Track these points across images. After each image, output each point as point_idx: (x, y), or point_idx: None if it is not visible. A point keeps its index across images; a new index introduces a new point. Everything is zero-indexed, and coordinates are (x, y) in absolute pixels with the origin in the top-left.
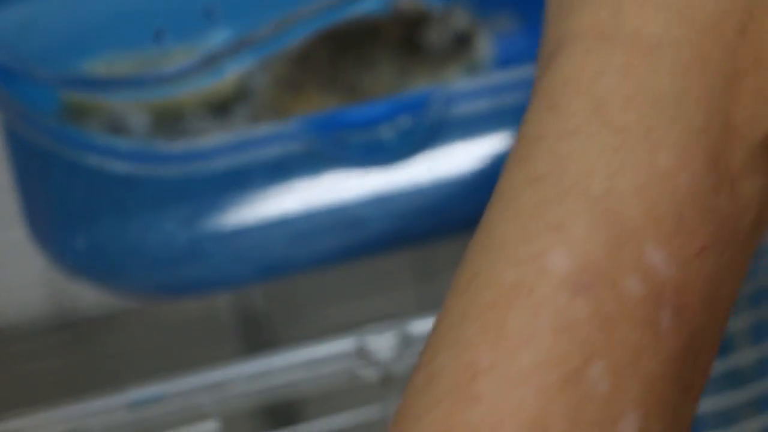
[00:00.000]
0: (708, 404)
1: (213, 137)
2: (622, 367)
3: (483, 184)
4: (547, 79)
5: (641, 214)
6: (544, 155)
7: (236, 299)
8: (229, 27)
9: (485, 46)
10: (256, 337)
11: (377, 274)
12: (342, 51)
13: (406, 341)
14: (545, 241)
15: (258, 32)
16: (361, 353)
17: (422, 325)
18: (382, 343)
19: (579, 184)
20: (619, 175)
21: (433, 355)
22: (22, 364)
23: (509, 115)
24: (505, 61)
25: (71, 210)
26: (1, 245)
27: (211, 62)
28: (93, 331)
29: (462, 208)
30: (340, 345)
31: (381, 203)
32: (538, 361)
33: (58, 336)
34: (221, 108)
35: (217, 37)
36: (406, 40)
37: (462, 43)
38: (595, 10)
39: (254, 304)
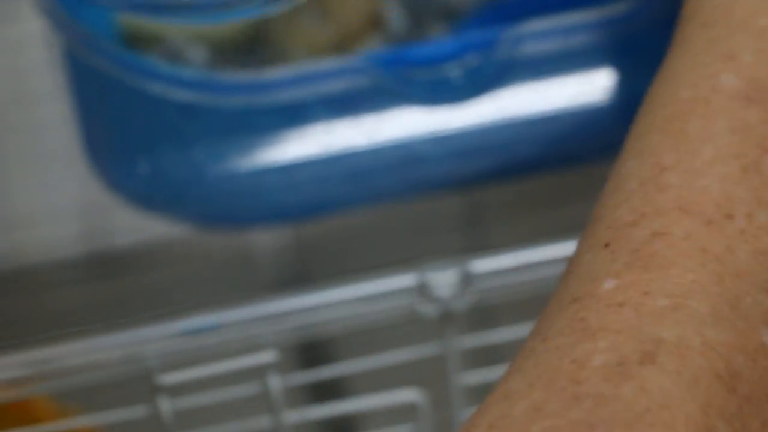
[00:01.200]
0: None
1: (276, 69)
2: None
3: (549, 126)
4: None
5: None
6: (713, 6)
7: (292, 233)
8: None
9: None
10: (307, 273)
11: (428, 216)
12: None
13: (467, 279)
14: (717, 66)
15: None
16: (422, 289)
17: (483, 264)
18: (442, 279)
19: (746, 22)
20: None
21: (620, 165)
22: (62, 295)
23: (579, 57)
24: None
25: (132, 137)
26: (39, 178)
27: None
28: (129, 264)
29: (526, 150)
30: (400, 280)
31: (444, 142)
32: (718, 155)
33: (93, 269)
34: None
35: None
36: None
37: None
38: None
39: (307, 239)
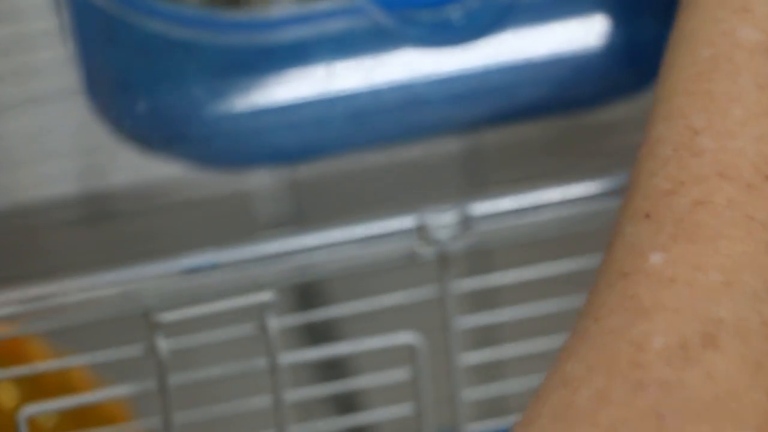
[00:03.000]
0: None
1: (277, 8)
2: None
3: (549, 69)
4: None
5: None
6: None
7: (289, 174)
8: None
9: None
10: (304, 215)
11: (428, 158)
12: None
13: (465, 222)
14: (733, 22)
15: None
16: (420, 231)
17: (482, 207)
18: (441, 222)
19: None
20: None
21: (651, 129)
22: (59, 234)
23: (581, 2)
24: None
25: (132, 75)
26: (37, 119)
27: None
28: (126, 205)
29: (527, 93)
30: (398, 223)
31: (444, 84)
32: (749, 114)
33: (90, 209)
34: None
35: None
36: None
37: None
38: None
39: (305, 181)
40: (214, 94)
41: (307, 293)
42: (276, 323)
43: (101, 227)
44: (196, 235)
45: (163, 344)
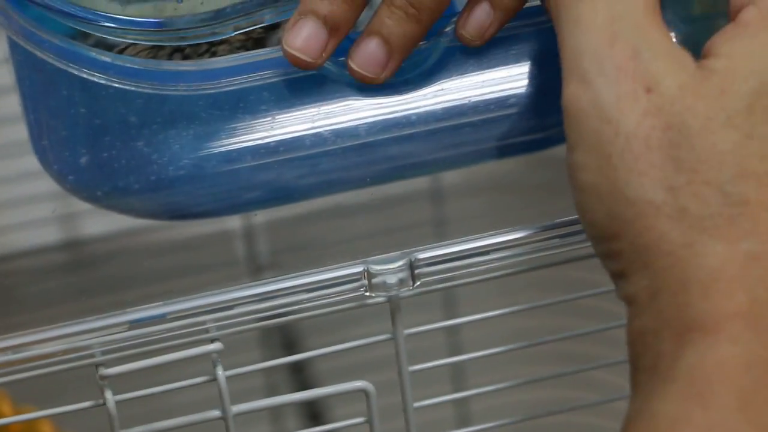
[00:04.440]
0: None
1: (222, 58)
2: None
3: (494, 113)
4: (688, 361)
5: None
6: None
7: (242, 225)
8: None
9: None
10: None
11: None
12: None
13: (415, 268)
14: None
15: None
16: (369, 279)
17: (430, 252)
18: (390, 269)
19: None
20: None
21: None
22: (29, 284)
23: (526, 39)
24: None
25: (75, 127)
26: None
27: (221, 19)
28: (99, 254)
29: (472, 136)
30: (348, 270)
31: (392, 129)
32: None
33: (63, 258)
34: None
35: None
36: None
37: None
38: (731, 293)
39: (259, 232)
40: (157, 145)
41: (261, 340)
42: (225, 374)
43: (75, 275)
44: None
45: (111, 398)
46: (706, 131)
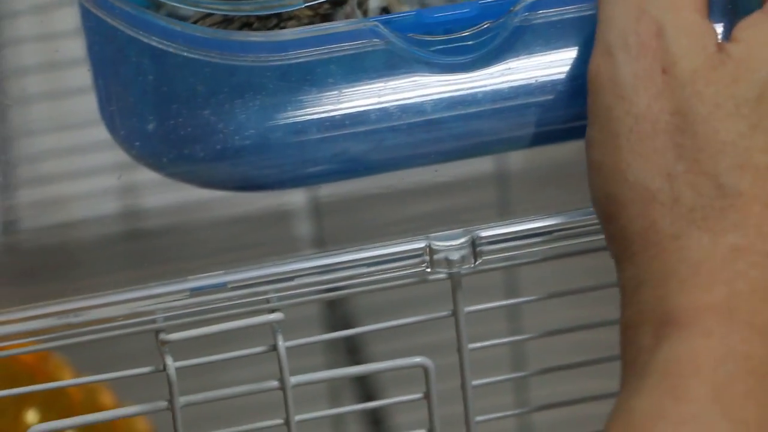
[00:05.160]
0: None
1: (290, 31)
2: None
3: (561, 92)
4: (663, 355)
5: None
6: None
7: (306, 201)
8: None
9: None
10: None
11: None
12: None
13: (477, 245)
14: None
15: None
16: (431, 255)
17: (493, 231)
18: (452, 245)
19: None
20: None
21: None
22: (93, 251)
23: (590, 23)
24: None
25: (143, 95)
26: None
27: None
28: (161, 225)
29: (539, 116)
30: (410, 245)
31: (458, 107)
32: None
33: (126, 227)
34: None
35: None
36: None
37: None
38: (709, 287)
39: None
40: (224, 115)
41: (322, 312)
42: (286, 344)
43: (136, 244)
44: (214, 253)
45: (171, 363)
46: (711, 119)
